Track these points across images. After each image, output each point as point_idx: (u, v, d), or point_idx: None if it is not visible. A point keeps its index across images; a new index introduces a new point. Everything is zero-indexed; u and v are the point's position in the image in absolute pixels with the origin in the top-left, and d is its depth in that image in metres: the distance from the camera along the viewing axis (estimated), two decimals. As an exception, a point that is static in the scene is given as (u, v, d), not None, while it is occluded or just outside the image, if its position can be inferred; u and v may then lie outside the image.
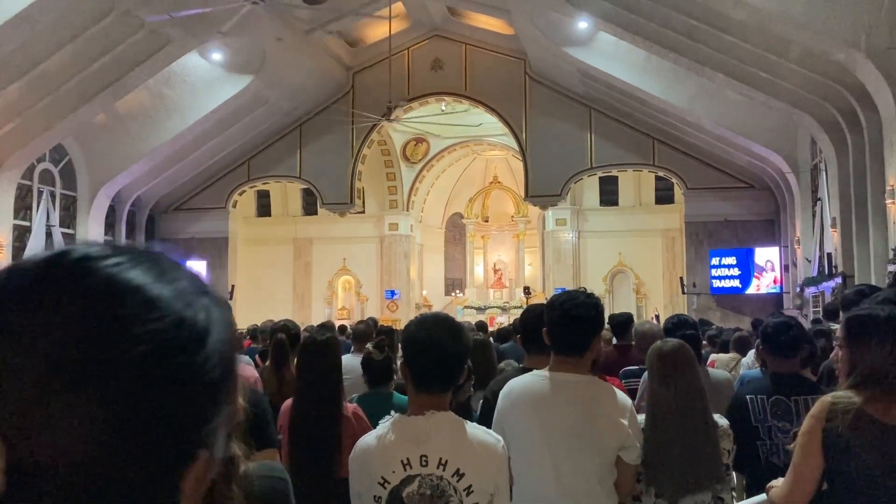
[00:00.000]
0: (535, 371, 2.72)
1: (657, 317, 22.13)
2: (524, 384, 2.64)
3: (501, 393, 2.65)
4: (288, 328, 4.44)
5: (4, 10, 12.65)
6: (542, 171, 21.42)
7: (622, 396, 2.56)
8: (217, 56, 18.16)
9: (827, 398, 2.12)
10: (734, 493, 3.29)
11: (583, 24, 16.22)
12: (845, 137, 13.46)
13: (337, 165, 22.52)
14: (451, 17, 21.09)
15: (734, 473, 3.26)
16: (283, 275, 26.01)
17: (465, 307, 25.99)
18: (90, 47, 15.09)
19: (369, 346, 3.79)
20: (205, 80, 18.69)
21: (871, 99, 11.94)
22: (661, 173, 21.90)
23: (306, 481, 2.95)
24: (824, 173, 15.25)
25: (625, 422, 2.50)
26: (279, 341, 4.17)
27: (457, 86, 22.03)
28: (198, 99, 18.90)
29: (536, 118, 21.40)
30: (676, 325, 3.84)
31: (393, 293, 25.53)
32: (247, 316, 20.90)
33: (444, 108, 22.94)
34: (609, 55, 17.27)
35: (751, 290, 19.86)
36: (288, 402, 3.42)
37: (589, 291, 2.74)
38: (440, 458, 2.02)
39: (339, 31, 20.18)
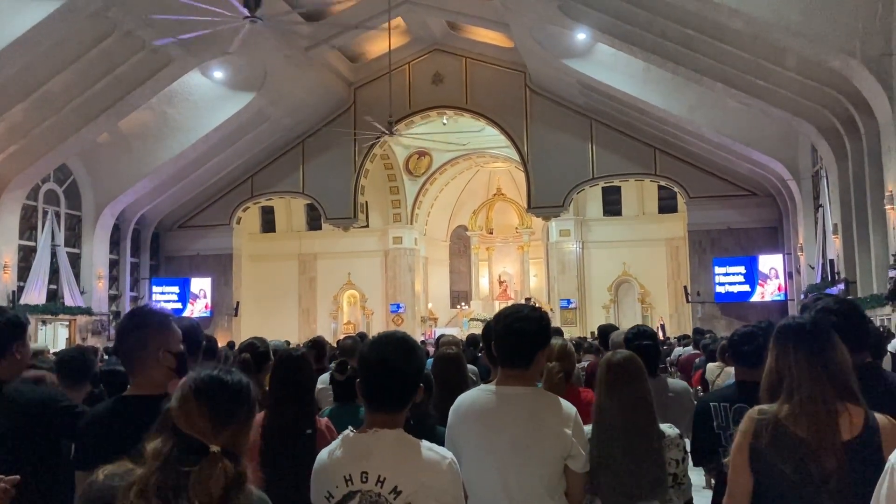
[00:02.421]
0: (482, 385, 2.76)
1: (662, 326, 22.11)
2: (471, 399, 2.67)
3: (452, 408, 2.68)
4: (255, 346, 4.33)
5: (7, 33, 12.84)
6: (544, 182, 21.47)
7: (567, 406, 2.58)
8: (219, 74, 18.32)
9: (753, 412, 2.16)
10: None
11: (581, 36, 16.30)
12: (844, 144, 13.46)
13: (340, 180, 22.63)
14: (451, 31, 21.22)
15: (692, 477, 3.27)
16: (288, 290, 26.10)
17: (471, 319, 25.97)
18: (92, 68, 15.27)
19: (332, 365, 3.84)
20: (207, 99, 18.84)
21: (868, 105, 11.96)
22: (663, 182, 21.92)
23: (283, 495, 2.98)
24: (825, 180, 15.23)
25: (568, 431, 2.52)
26: (242, 363, 4.09)
27: (458, 99, 22.14)
28: (200, 117, 19.05)
29: (538, 130, 21.47)
30: (635, 336, 3.88)
31: (398, 307, 25.57)
32: (252, 332, 20.99)
33: (445, 121, 23.04)
34: (608, 66, 17.34)
35: (755, 298, 19.79)
36: (257, 416, 3.43)
37: (536, 305, 2.77)
38: (379, 475, 2.05)
39: (340, 47, 20.31)
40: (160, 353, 2.36)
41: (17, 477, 2.07)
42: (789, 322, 2.21)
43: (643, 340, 3.83)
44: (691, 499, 3.09)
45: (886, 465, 1.58)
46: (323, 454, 2.18)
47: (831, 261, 14.62)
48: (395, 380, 2.13)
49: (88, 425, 2.35)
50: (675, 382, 4.11)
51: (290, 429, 3.18)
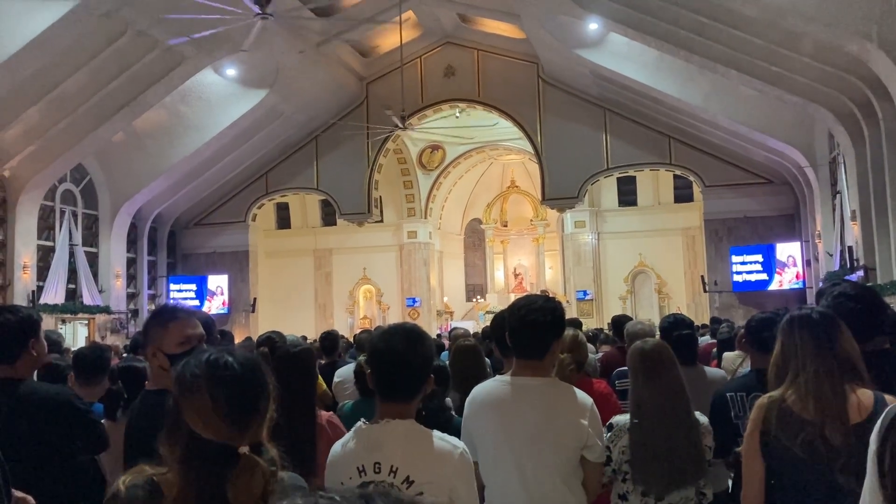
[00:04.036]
0: (497, 376, 2.77)
1: (680, 316, 21.98)
2: (486, 390, 2.67)
3: (467, 399, 2.70)
4: (273, 341, 4.40)
5: (22, 35, 12.94)
6: (558, 173, 21.38)
7: (582, 397, 2.58)
8: (231, 72, 18.37)
9: (762, 400, 2.18)
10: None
11: (593, 26, 16.20)
12: (862, 129, 13.30)
13: (354, 175, 22.65)
14: (462, 23, 21.14)
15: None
16: (304, 286, 26.19)
17: (487, 312, 25.93)
18: (106, 68, 15.35)
19: (361, 358, 3.84)
20: (220, 96, 18.91)
21: (886, 89, 11.80)
22: (678, 172, 21.77)
23: None
24: (842, 166, 15.07)
25: (584, 421, 2.52)
26: (261, 356, 4.17)
27: (470, 92, 22.07)
28: (214, 115, 19.12)
29: (551, 121, 21.38)
30: (673, 325, 3.85)
31: (414, 301, 25.60)
32: (269, 328, 21.07)
33: (458, 114, 22.99)
34: (621, 56, 17.22)
35: (773, 287, 19.63)
36: None
37: (550, 296, 2.77)
38: (391, 466, 2.06)
39: (351, 42, 20.30)
40: (150, 351, 2.39)
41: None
42: (795, 312, 2.23)
43: (682, 330, 3.82)
44: (728, 487, 3.09)
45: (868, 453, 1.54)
46: (336, 446, 2.21)
47: (850, 247, 14.48)
48: (405, 370, 2.14)
49: (129, 421, 2.42)
50: (713, 371, 4.08)
51: (288, 424, 3.21)
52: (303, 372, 3.37)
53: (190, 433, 1.46)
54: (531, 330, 2.57)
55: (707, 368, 4.15)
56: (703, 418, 2.93)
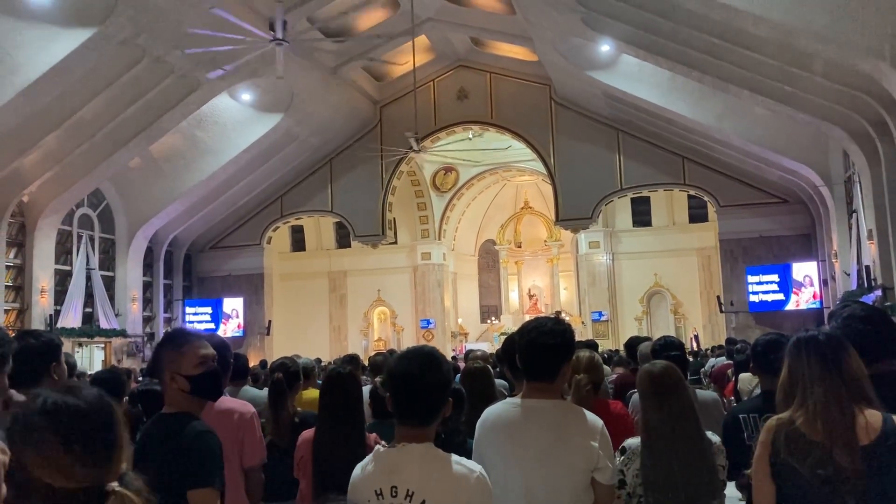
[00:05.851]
0: (508, 398, 2.78)
1: (696, 337, 21.86)
2: (497, 412, 2.68)
3: (478, 422, 2.70)
4: (287, 366, 4.42)
5: (42, 63, 13.16)
6: (571, 194, 21.39)
7: (592, 418, 2.58)
8: (246, 97, 18.58)
9: (770, 422, 2.18)
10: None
11: (605, 48, 16.27)
12: (876, 147, 13.23)
13: (368, 198, 22.77)
14: (475, 47, 21.31)
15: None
16: (319, 308, 26.28)
17: (501, 334, 25.88)
18: (123, 94, 15.57)
19: (377, 379, 3.87)
20: (235, 121, 19.10)
21: (899, 108, 11.76)
22: (692, 192, 21.73)
23: None
24: (858, 185, 14.99)
25: (594, 443, 2.52)
26: (276, 382, 4.17)
27: (483, 114, 22.19)
28: (229, 139, 19.31)
29: (564, 142, 21.43)
30: (663, 347, 3.89)
31: (428, 322, 25.59)
32: (284, 350, 21.14)
33: (471, 136, 23.11)
34: (633, 77, 17.27)
35: (790, 307, 19.49)
36: (306, 434, 3.52)
37: (559, 318, 2.78)
38: (408, 490, 2.07)
39: (365, 67, 20.50)
40: (168, 375, 2.43)
41: None
42: (801, 334, 2.23)
43: (671, 351, 3.84)
44: None
45: None
46: (357, 469, 2.24)
47: (867, 267, 14.36)
48: (422, 394, 2.16)
49: (139, 443, 2.45)
50: (705, 394, 4.10)
51: (341, 444, 3.25)
52: (354, 392, 3.44)
53: (47, 489, 1.33)
54: (541, 353, 2.58)
55: (699, 391, 4.19)
56: (715, 438, 2.93)
